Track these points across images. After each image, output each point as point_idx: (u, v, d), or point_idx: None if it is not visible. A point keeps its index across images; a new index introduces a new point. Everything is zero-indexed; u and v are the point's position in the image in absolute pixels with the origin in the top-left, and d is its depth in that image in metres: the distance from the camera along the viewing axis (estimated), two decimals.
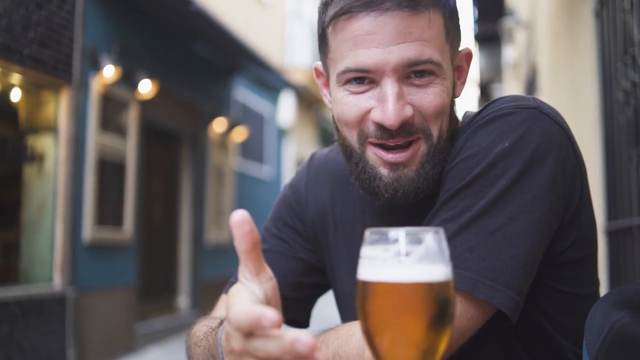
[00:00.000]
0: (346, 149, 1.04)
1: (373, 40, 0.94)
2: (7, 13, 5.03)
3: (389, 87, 0.95)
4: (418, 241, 0.65)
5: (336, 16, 0.98)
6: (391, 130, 0.95)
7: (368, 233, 0.67)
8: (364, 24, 0.95)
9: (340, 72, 0.99)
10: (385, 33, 0.94)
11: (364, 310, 0.66)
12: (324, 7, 1.01)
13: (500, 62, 12.40)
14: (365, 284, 0.66)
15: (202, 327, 1.05)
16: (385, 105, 0.94)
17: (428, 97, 0.96)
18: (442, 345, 0.65)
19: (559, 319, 1.01)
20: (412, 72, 0.96)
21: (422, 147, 0.98)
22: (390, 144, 0.97)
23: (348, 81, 0.99)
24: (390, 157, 0.98)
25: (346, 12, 0.96)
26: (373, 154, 0.99)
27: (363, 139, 1.00)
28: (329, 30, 1.00)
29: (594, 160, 3.08)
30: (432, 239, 0.65)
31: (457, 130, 1.05)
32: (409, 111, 0.96)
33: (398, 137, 0.96)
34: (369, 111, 0.98)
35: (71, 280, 5.75)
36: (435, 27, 0.96)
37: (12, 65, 5.16)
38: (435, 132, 0.98)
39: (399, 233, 0.65)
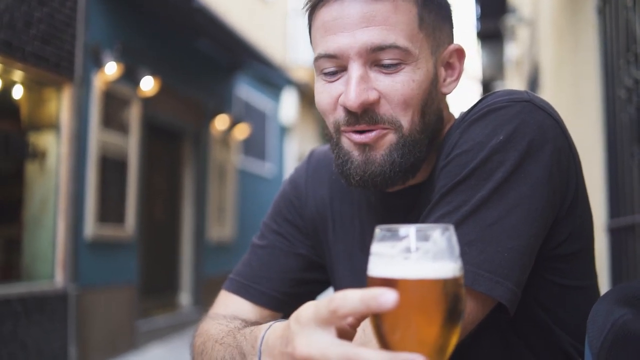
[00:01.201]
0: (329, 138, 1.07)
1: (339, 25, 0.97)
2: (9, 9, 5.03)
3: (353, 70, 0.97)
4: (425, 238, 0.65)
5: (312, 7, 1.02)
6: (356, 114, 0.97)
7: (377, 230, 0.67)
8: (332, 10, 0.98)
9: (314, 59, 1.02)
10: (350, 17, 0.97)
11: None
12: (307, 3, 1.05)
13: (502, 59, 12.39)
14: (373, 280, 0.66)
15: (217, 326, 1.06)
16: (348, 87, 0.97)
17: (395, 84, 0.97)
18: (452, 343, 0.65)
19: (557, 312, 1.02)
20: (380, 58, 0.97)
21: (389, 136, 0.99)
22: (358, 129, 1.00)
23: (323, 70, 1.02)
24: (357, 137, 1.00)
25: (319, 2, 1.00)
26: (346, 139, 1.02)
27: (337, 127, 1.02)
28: (311, 22, 1.05)
29: (596, 157, 3.07)
30: (440, 235, 0.65)
31: (441, 125, 1.05)
32: (372, 95, 0.97)
33: (363, 123, 0.98)
34: (339, 97, 1.00)
35: (73, 277, 5.76)
36: (402, 13, 0.97)
37: (14, 62, 5.16)
38: (405, 123, 0.99)
39: (407, 230, 0.65)
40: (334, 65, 1.00)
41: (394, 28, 0.96)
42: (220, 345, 0.98)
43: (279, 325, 0.82)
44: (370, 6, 0.96)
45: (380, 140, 0.99)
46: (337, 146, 1.03)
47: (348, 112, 0.98)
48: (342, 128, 1.01)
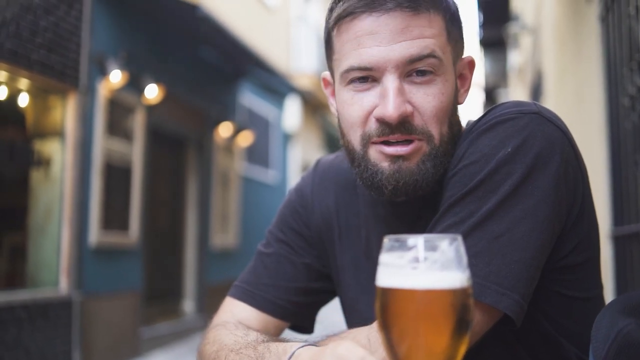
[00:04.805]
0: (350, 152, 1.05)
1: (375, 40, 0.97)
2: (16, 18, 5.06)
3: (390, 82, 0.97)
4: (433, 248, 0.65)
5: (340, 18, 1.01)
6: (391, 125, 0.97)
7: (386, 240, 0.68)
8: (366, 24, 0.97)
9: (344, 71, 1.01)
10: (387, 32, 0.96)
11: (382, 316, 0.67)
12: (329, 12, 1.04)
13: (505, 67, 12.41)
14: (382, 290, 0.67)
15: (232, 336, 1.06)
16: (386, 99, 0.97)
17: (427, 97, 0.98)
18: (460, 353, 0.65)
19: (562, 323, 1.02)
20: (414, 70, 0.98)
21: (423, 147, 1.00)
22: (392, 140, 0.99)
23: (352, 81, 1.01)
24: (391, 150, 0.99)
25: (349, 14, 0.99)
26: (375, 152, 1.01)
27: (366, 140, 1.01)
28: (334, 33, 1.03)
29: (600, 165, 3.07)
30: (448, 245, 0.65)
31: (459, 136, 1.06)
32: (408, 108, 0.98)
33: (398, 133, 0.98)
34: (371, 110, 1.00)
35: (77, 284, 5.77)
36: (435, 27, 0.99)
37: (20, 70, 5.19)
38: (436, 134, 1.00)
39: (415, 240, 0.65)
40: (365, 78, 1.00)
41: (430, 40, 0.97)
42: (236, 355, 0.98)
43: (311, 349, 0.84)
44: (407, 21, 0.96)
45: (416, 152, 0.99)
46: (363, 159, 1.02)
47: (382, 123, 0.98)
48: (374, 139, 1.00)
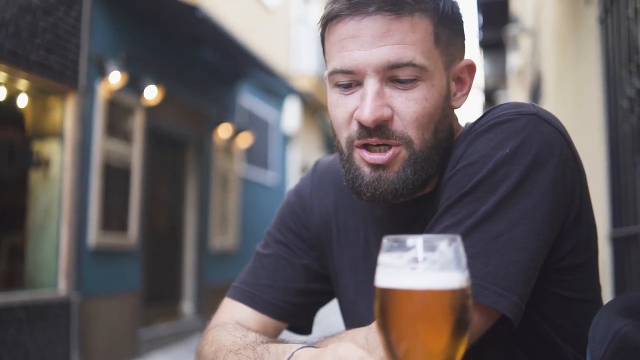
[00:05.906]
0: (339, 153, 1.06)
1: (356, 43, 0.98)
2: (15, 19, 5.06)
3: (369, 86, 0.97)
4: (432, 248, 0.65)
5: (327, 21, 1.02)
6: (369, 129, 0.98)
7: (385, 240, 0.68)
8: (349, 27, 0.98)
9: (329, 73, 1.03)
10: (368, 36, 0.97)
11: (381, 317, 0.67)
12: (322, 14, 1.06)
13: (505, 69, 12.44)
14: (381, 290, 0.67)
15: (230, 337, 1.06)
16: (364, 103, 0.97)
17: (409, 102, 0.98)
18: (459, 354, 0.65)
19: (560, 323, 1.02)
20: (396, 75, 0.97)
21: (402, 153, 0.99)
22: (373, 144, 1.00)
23: (337, 83, 1.02)
24: (369, 157, 1.00)
25: (334, 17, 1.00)
26: (358, 155, 1.02)
27: (350, 142, 1.02)
28: (325, 34, 1.05)
29: (598, 167, 3.08)
30: (447, 246, 0.65)
31: (452, 139, 1.06)
32: (386, 112, 0.97)
33: (375, 137, 0.99)
34: (354, 112, 1.00)
35: (76, 285, 5.77)
36: (419, 31, 0.98)
37: (19, 71, 5.19)
38: (416, 140, 0.99)
39: (414, 240, 0.66)
40: (349, 80, 1.00)
41: (411, 46, 0.97)
42: (235, 356, 0.99)
43: (310, 351, 0.84)
44: (388, 25, 0.96)
45: (394, 159, 0.99)
46: (348, 161, 1.03)
47: (361, 126, 0.99)
48: (355, 143, 1.01)
